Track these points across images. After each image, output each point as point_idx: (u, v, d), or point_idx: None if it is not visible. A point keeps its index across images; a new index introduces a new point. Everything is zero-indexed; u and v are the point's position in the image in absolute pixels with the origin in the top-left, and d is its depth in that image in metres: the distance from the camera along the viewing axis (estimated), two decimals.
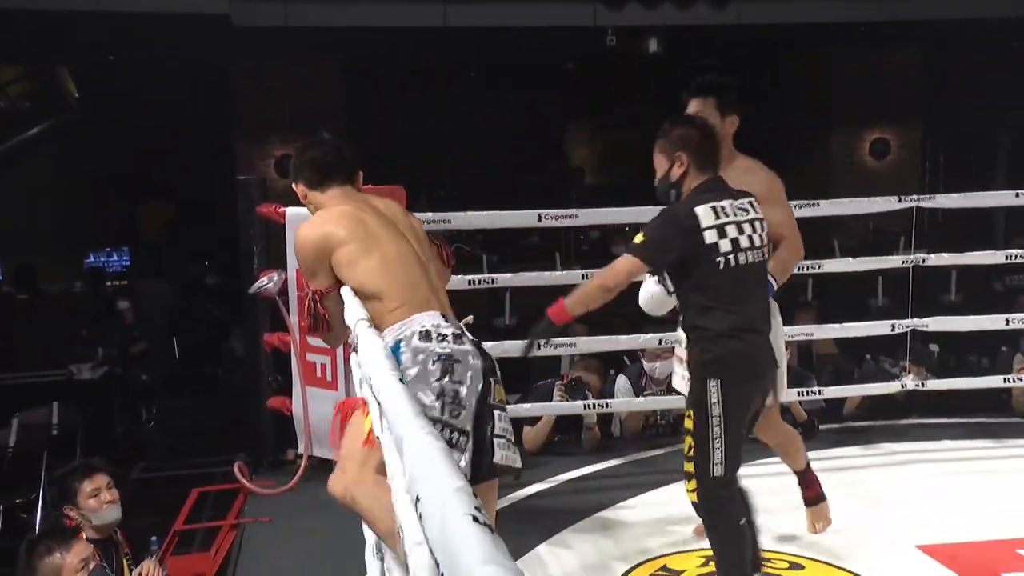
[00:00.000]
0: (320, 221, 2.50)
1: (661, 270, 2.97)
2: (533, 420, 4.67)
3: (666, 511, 3.92)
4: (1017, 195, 4.85)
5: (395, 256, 2.44)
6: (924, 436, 4.89)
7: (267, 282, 4.05)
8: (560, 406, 4.60)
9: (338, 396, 4.21)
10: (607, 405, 4.68)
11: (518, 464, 2.39)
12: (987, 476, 4.28)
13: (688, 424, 2.88)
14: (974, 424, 5.02)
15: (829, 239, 9.27)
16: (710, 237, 2.76)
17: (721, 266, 2.78)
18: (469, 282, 4.42)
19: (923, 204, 4.78)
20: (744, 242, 2.81)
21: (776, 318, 3.18)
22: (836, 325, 5.10)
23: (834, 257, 6.41)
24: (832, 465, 4.44)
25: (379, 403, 1.52)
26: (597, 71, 10.48)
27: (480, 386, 2.28)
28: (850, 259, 5.59)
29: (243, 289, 4.33)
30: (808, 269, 4.89)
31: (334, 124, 9.82)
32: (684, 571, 3.35)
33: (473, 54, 9.64)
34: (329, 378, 4.30)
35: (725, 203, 2.81)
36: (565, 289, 3.09)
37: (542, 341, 3.14)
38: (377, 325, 2.35)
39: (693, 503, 2.92)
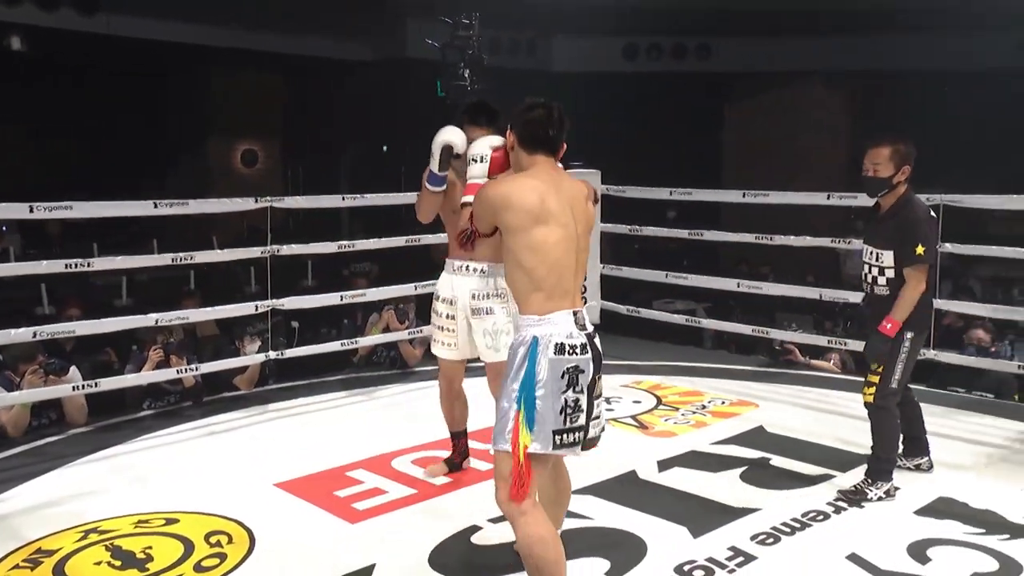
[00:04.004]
0: (508, 187, 2.56)
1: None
2: None
3: (42, 498, 3.76)
4: (343, 199, 5.60)
5: (555, 240, 2.52)
6: (286, 396, 5.32)
7: None
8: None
9: None
10: None
11: (601, 431, 2.68)
12: (325, 422, 4.88)
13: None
14: (335, 381, 5.63)
15: (209, 234, 9.45)
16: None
17: (939, 249, 3.73)
18: None
19: (275, 204, 5.13)
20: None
21: None
22: (219, 307, 5.20)
23: (212, 249, 6.53)
24: (214, 430, 4.69)
25: None
26: None
27: (591, 387, 2.54)
28: (219, 251, 5.90)
29: None
30: (183, 261, 4.99)
31: None
32: (60, 549, 3.25)
33: None
34: None
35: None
36: None
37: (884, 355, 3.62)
38: (516, 297, 2.56)
39: (866, 404, 3.65)
